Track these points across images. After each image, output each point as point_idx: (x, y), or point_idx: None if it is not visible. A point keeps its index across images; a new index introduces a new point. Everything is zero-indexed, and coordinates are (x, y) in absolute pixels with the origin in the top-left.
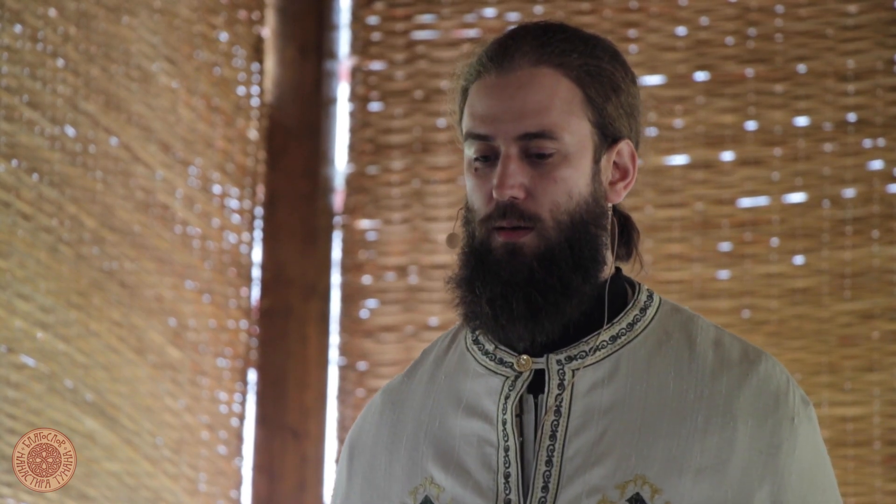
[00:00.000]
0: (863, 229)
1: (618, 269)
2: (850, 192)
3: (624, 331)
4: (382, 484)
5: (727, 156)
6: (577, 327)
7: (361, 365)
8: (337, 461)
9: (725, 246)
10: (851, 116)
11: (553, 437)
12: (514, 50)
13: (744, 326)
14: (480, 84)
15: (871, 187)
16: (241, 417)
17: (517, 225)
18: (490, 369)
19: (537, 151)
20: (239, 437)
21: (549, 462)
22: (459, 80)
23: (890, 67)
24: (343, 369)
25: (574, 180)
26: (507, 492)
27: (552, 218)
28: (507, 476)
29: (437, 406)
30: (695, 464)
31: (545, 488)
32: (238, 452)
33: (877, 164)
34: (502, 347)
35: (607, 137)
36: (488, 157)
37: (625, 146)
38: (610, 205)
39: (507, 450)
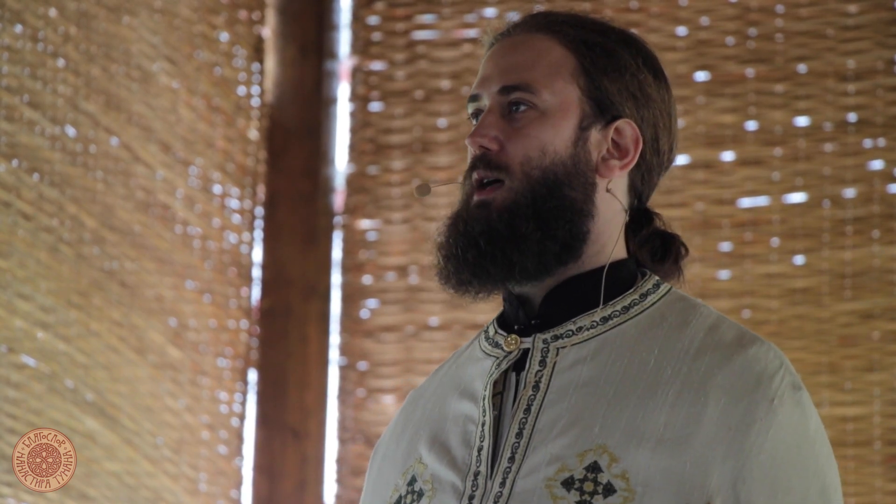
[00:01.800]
0: (863, 229)
1: (629, 258)
2: (850, 192)
3: (618, 313)
4: (388, 471)
5: (727, 156)
6: (571, 309)
7: (362, 365)
8: (338, 461)
9: (726, 246)
10: (852, 116)
11: (528, 410)
12: (518, 21)
13: (744, 326)
14: (485, 56)
15: (871, 187)
16: (242, 417)
17: (486, 176)
18: (486, 353)
19: (515, 101)
20: (239, 437)
21: (519, 434)
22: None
23: (890, 67)
24: (343, 369)
25: (549, 138)
26: (478, 464)
27: (522, 171)
28: (479, 450)
29: (441, 393)
30: (656, 435)
31: (511, 458)
32: (238, 452)
33: (877, 164)
34: (500, 331)
35: (604, 112)
36: (478, 118)
37: (626, 126)
38: (605, 181)
39: (483, 425)
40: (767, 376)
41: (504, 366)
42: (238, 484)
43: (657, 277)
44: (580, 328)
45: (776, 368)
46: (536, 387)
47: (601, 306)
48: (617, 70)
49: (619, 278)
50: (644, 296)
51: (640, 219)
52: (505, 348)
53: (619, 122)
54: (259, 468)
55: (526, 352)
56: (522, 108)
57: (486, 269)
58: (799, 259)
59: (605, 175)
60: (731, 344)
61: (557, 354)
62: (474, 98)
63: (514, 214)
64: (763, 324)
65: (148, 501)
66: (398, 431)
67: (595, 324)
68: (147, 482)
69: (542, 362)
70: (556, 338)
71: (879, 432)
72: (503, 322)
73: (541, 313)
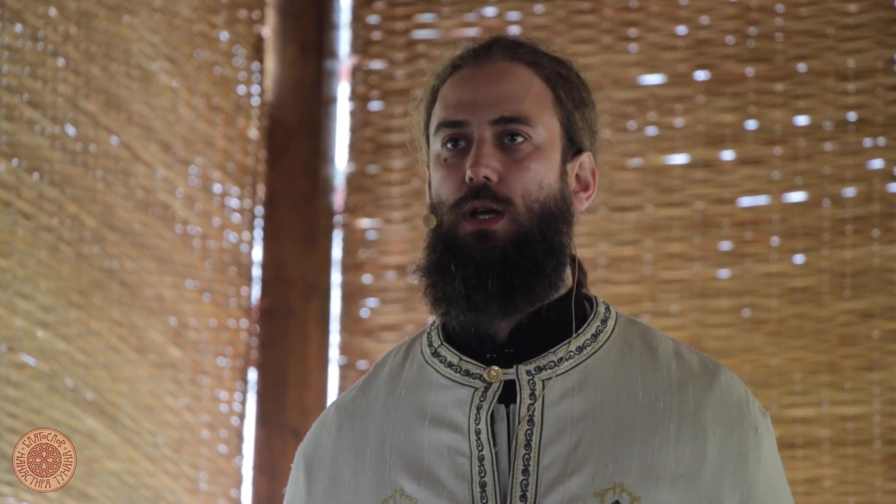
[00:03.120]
0: (863, 228)
1: (578, 284)
2: (850, 192)
3: (589, 341)
4: (347, 498)
5: (727, 155)
6: (540, 338)
7: (362, 364)
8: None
9: (726, 245)
10: (851, 115)
11: (528, 446)
12: (489, 48)
13: (744, 326)
14: (454, 78)
15: (871, 186)
16: (242, 416)
17: (489, 207)
18: (456, 381)
19: (512, 132)
20: (239, 437)
21: (525, 471)
22: (429, 84)
23: (890, 66)
24: (343, 368)
25: (545, 172)
26: (484, 500)
27: (524, 204)
28: (482, 485)
29: (401, 419)
30: (670, 471)
31: (523, 497)
32: (238, 451)
33: (877, 164)
34: (467, 359)
35: (573, 144)
36: (458, 143)
37: (587, 159)
38: (575, 213)
39: (481, 459)
40: (745, 404)
41: (491, 398)
42: (238, 483)
43: (603, 301)
44: (560, 359)
45: (745, 395)
46: (531, 421)
47: (574, 335)
48: (583, 104)
49: (578, 305)
50: (604, 322)
51: None
52: (486, 379)
53: (583, 156)
54: (259, 467)
55: (507, 383)
56: (518, 139)
57: (514, 302)
58: (799, 258)
59: (577, 207)
60: (702, 372)
61: (544, 387)
62: (457, 124)
63: (530, 248)
64: (763, 323)
65: (148, 500)
66: (346, 454)
67: (572, 354)
68: (147, 481)
69: (532, 395)
70: (540, 369)
71: (879, 431)
72: (459, 347)
73: (511, 342)
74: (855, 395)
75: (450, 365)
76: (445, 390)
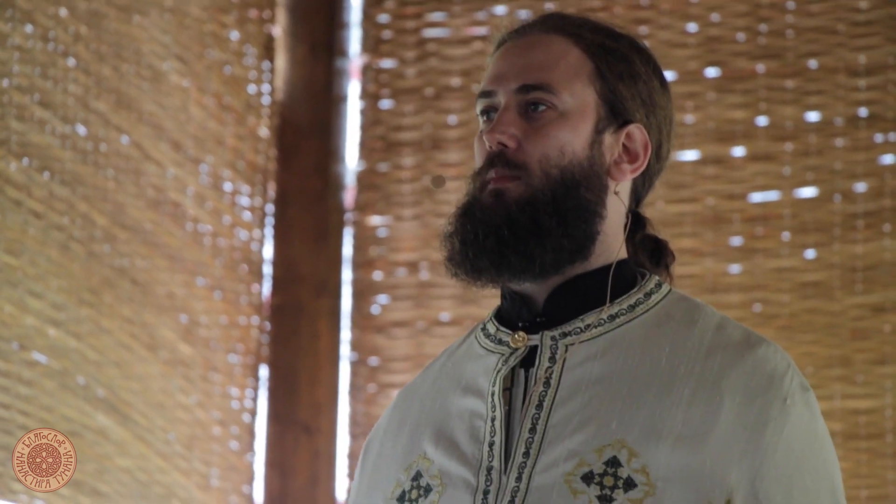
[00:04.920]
0: (874, 223)
1: (629, 259)
2: (861, 187)
3: (624, 311)
4: (385, 467)
5: (738, 151)
6: (576, 307)
7: (373, 360)
8: (349, 456)
9: (737, 240)
10: (863, 111)
11: (539, 406)
12: (531, 21)
13: (755, 320)
14: (496, 53)
15: (882, 182)
16: (253, 413)
17: (502, 174)
18: (489, 350)
19: (535, 100)
20: (251, 433)
21: (532, 429)
22: (488, 64)
23: None
24: (355, 365)
25: (568, 139)
26: (490, 459)
27: (541, 169)
28: (491, 445)
29: (440, 389)
30: (675, 432)
31: (526, 454)
32: (250, 448)
33: (888, 159)
34: (503, 329)
35: (617, 116)
36: (490, 115)
37: (636, 131)
38: (615, 184)
39: (493, 420)
40: (778, 376)
41: (512, 361)
42: (250, 479)
43: (657, 278)
44: (588, 326)
45: (785, 368)
46: (547, 383)
47: (608, 304)
48: (630, 76)
49: (622, 278)
50: (648, 295)
51: (633, 222)
52: (512, 345)
53: (631, 127)
54: (271, 464)
55: (533, 349)
56: (542, 107)
57: (507, 258)
58: (810, 253)
59: (617, 178)
60: (739, 343)
61: (566, 351)
62: (487, 94)
63: (535, 208)
64: (774, 318)
65: (160, 497)
66: (393, 428)
67: (602, 321)
68: (159, 478)
69: (552, 359)
70: (565, 335)
71: (891, 425)
72: (503, 320)
73: (545, 311)
74: (867, 389)
75: (488, 335)
76: (480, 359)
